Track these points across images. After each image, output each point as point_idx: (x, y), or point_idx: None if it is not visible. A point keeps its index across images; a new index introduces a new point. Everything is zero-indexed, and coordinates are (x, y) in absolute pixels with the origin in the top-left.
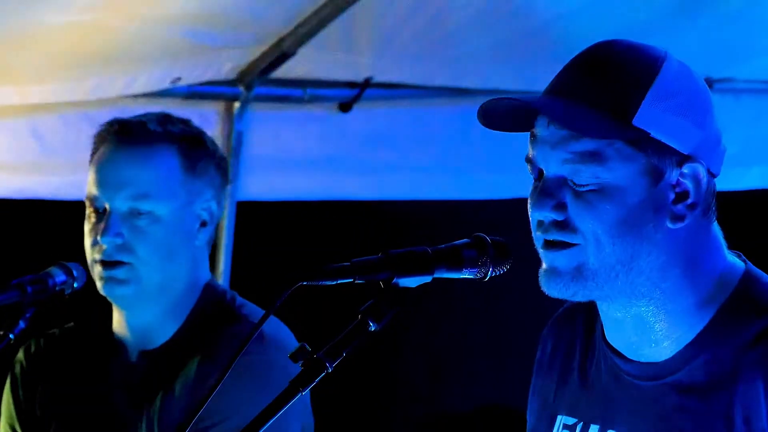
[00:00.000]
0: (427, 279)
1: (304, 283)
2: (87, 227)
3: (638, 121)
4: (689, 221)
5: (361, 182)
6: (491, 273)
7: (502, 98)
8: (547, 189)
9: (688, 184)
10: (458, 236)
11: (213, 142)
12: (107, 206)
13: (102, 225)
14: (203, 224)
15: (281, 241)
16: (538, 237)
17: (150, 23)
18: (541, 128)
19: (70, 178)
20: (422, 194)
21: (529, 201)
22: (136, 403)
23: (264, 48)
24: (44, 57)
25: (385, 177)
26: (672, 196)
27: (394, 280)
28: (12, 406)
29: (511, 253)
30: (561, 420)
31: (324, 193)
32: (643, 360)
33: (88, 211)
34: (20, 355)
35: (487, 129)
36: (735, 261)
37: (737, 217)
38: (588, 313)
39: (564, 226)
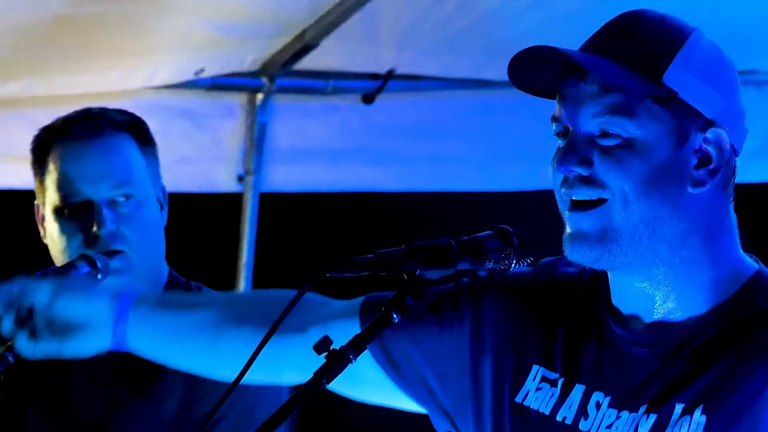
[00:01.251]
0: (450, 271)
1: (328, 274)
2: (61, 226)
3: (668, 79)
4: (709, 188)
5: (383, 173)
6: (514, 266)
7: (535, 47)
8: (574, 144)
9: (711, 149)
10: (481, 228)
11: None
12: (92, 199)
13: (92, 217)
14: (161, 207)
15: (304, 232)
16: (563, 196)
17: (174, 15)
18: (571, 87)
19: None
20: (445, 186)
21: (553, 160)
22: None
23: (287, 40)
24: (68, 48)
25: (408, 168)
26: (694, 161)
27: (418, 272)
28: None
29: (535, 246)
30: (539, 370)
31: (346, 184)
32: (649, 323)
33: (64, 209)
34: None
35: (509, 121)
36: (748, 258)
37: (760, 209)
38: (583, 291)
39: (590, 181)
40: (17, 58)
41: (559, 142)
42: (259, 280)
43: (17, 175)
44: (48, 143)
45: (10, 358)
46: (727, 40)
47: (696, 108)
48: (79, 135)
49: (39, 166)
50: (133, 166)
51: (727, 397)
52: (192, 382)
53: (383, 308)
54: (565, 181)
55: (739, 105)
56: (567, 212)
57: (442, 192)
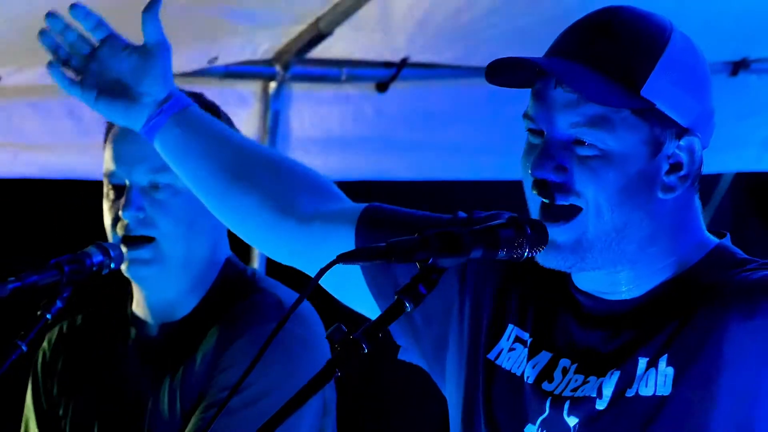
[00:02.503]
0: (463, 260)
1: (341, 263)
2: (106, 205)
3: (646, 91)
4: (679, 192)
5: (397, 162)
6: (527, 255)
7: (513, 58)
8: (549, 150)
9: (684, 156)
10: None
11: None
12: (126, 182)
13: (122, 200)
14: None
15: None
16: (535, 198)
17: (187, 3)
18: (548, 88)
19: None
20: (459, 174)
21: (523, 159)
22: (157, 375)
23: (301, 28)
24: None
25: (421, 157)
26: (666, 167)
27: (430, 261)
28: (30, 396)
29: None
30: (514, 330)
31: (360, 173)
32: (610, 298)
33: (107, 188)
34: (44, 344)
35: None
36: (710, 235)
37: None
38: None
39: (565, 189)
40: (31, 47)
41: (531, 138)
42: (272, 269)
43: (30, 163)
44: (110, 121)
45: (23, 347)
46: (740, 28)
47: (672, 117)
48: None
49: (104, 144)
50: None
51: (690, 347)
52: (219, 354)
53: (396, 296)
54: (541, 185)
55: (710, 105)
56: (539, 217)
57: (455, 181)
